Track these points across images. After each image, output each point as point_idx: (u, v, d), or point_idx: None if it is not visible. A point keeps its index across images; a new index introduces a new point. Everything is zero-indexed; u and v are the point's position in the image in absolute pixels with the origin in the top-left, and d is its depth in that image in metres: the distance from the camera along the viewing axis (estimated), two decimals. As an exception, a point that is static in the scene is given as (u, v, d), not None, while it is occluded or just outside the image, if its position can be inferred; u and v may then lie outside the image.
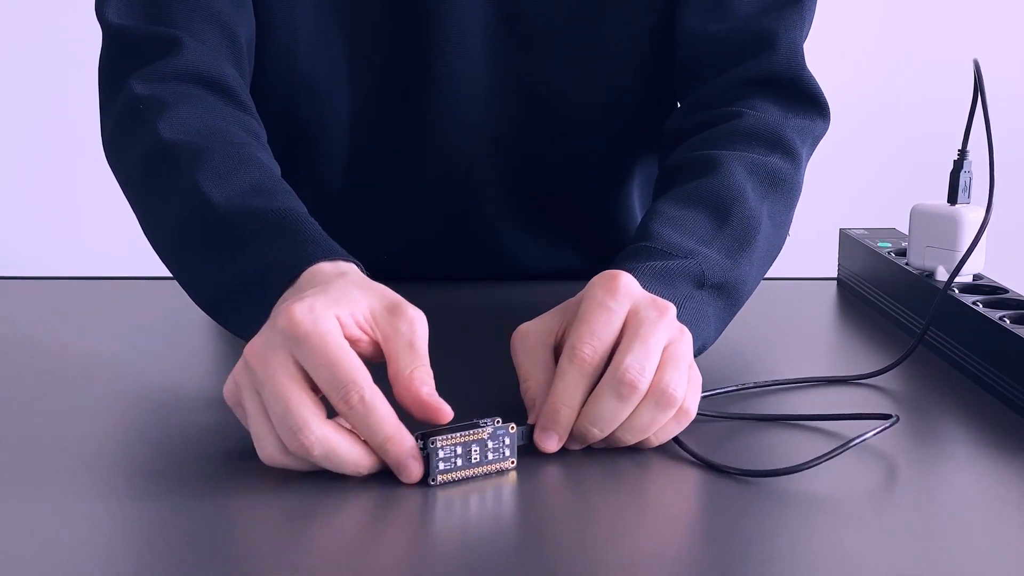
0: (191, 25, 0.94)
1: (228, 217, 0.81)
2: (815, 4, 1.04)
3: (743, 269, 0.87)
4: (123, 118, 0.91)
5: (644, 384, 0.72)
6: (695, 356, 0.79)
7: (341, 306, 0.70)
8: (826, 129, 1.02)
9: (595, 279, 0.77)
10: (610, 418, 0.72)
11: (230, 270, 0.80)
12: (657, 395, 0.72)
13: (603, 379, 0.73)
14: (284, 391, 0.67)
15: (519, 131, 1.09)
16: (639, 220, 1.13)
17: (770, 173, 0.93)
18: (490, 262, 1.14)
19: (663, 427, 0.74)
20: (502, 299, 1.09)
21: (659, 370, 0.73)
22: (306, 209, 0.83)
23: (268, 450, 0.69)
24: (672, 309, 0.75)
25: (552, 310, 0.79)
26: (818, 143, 1.02)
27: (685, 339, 0.75)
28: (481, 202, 1.11)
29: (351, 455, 0.68)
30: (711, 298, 0.85)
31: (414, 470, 0.68)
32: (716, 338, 0.87)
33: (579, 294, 0.78)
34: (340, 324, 0.69)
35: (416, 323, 0.71)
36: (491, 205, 1.11)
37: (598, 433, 0.73)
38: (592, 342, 0.73)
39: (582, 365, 0.73)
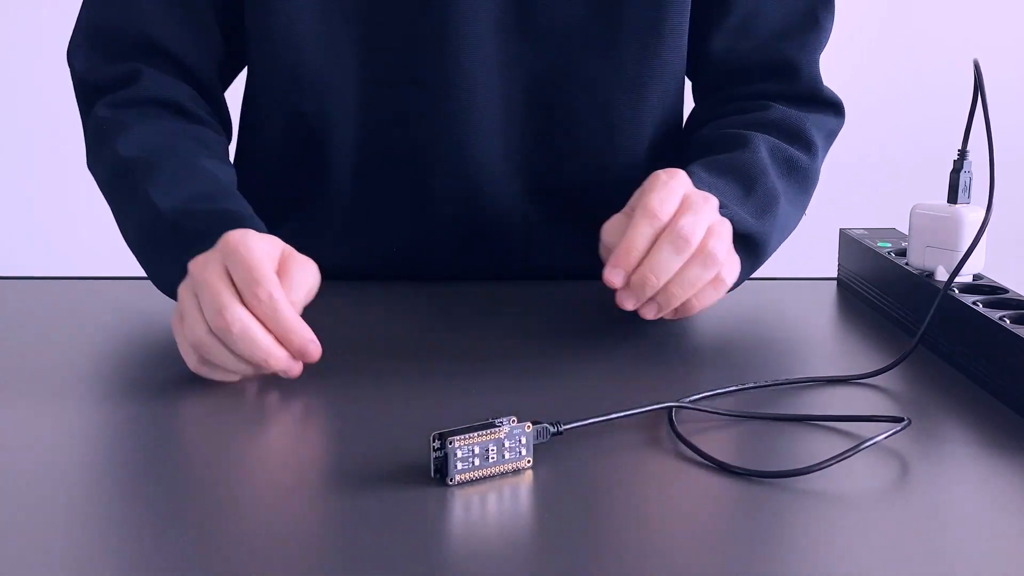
0: (148, 60, 1.08)
1: (174, 221, 0.94)
2: (833, 16, 1.15)
3: (767, 228, 1.00)
4: (92, 138, 1.06)
5: (696, 241, 0.88)
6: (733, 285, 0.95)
7: (266, 239, 0.87)
8: (842, 124, 1.15)
9: (657, 172, 0.92)
10: (666, 268, 0.88)
11: (179, 263, 0.89)
12: (704, 255, 0.89)
13: (663, 234, 0.88)
14: (214, 285, 0.82)
15: (531, 126, 1.11)
16: None
17: (787, 159, 1.06)
18: (501, 258, 1.15)
19: (704, 292, 0.91)
20: (516, 299, 1.09)
21: (705, 237, 0.89)
22: (251, 210, 0.96)
23: (197, 332, 0.83)
24: (715, 200, 0.92)
25: (619, 213, 0.94)
26: (835, 137, 1.14)
27: (725, 225, 0.92)
28: (494, 196, 1.12)
29: (264, 340, 0.82)
30: (739, 248, 0.96)
31: (313, 352, 0.84)
32: (738, 286, 0.99)
33: (637, 191, 0.93)
34: (264, 242, 0.85)
35: (310, 272, 0.88)
36: (504, 199, 1.12)
37: (655, 281, 0.89)
38: (661, 203, 0.89)
39: (652, 218, 0.89)
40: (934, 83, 2.39)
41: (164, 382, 0.91)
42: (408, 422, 0.79)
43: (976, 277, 0.98)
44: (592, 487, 0.71)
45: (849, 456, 0.73)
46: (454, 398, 0.84)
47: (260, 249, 0.84)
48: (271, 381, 0.89)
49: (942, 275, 0.97)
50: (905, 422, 0.78)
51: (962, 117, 0.94)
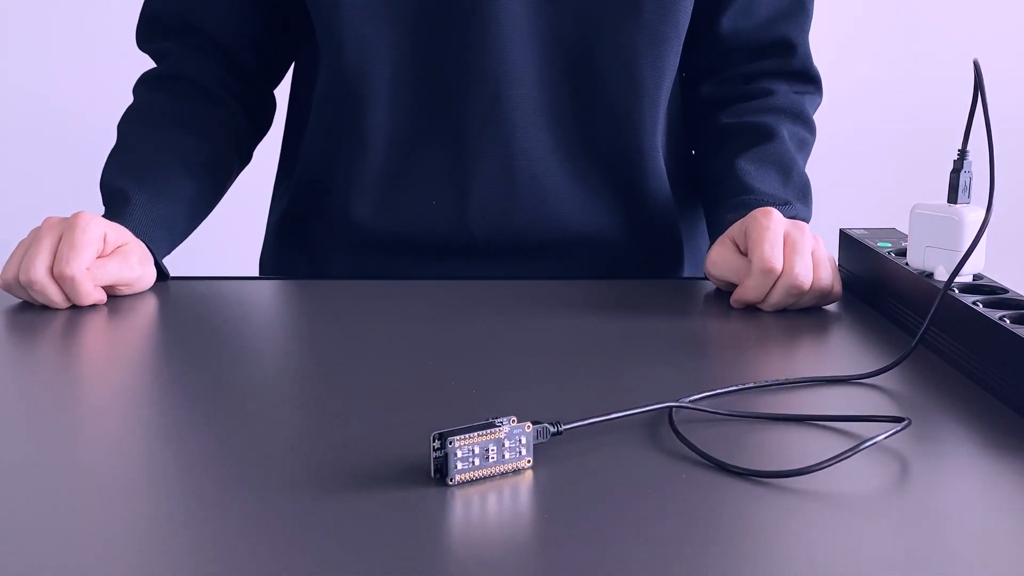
0: (182, 39, 1.24)
1: (103, 181, 1.17)
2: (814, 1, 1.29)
3: (807, 212, 1.18)
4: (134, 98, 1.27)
5: (809, 283, 1.05)
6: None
7: (110, 227, 1.07)
8: (822, 98, 1.31)
9: (755, 213, 1.09)
10: (784, 304, 1.06)
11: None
12: (815, 290, 1.06)
13: (780, 282, 1.05)
14: (40, 250, 1.04)
15: (561, 81, 1.18)
16: (664, 175, 1.24)
17: (801, 140, 1.25)
18: (534, 213, 1.20)
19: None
20: (517, 299, 1.09)
21: (815, 271, 1.05)
22: (146, 191, 1.14)
23: (8, 274, 1.05)
24: (806, 225, 1.09)
25: (719, 243, 1.11)
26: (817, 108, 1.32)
27: (820, 242, 1.08)
28: (527, 150, 1.19)
29: (55, 298, 1.03)
30: None
31: (102, 299, 1.06)
32: None
33: (738, 225, 1.10)
34: (103, 231, 1.06)
35: (126, 267, 1.07)
36: (537, 153, 1.19)
37: (773, 310, 1.07)
38: (773, 254, 1.04)
39: (769, 272, 1.04)
40: (934, 83, 2.39)
41: (162, 381, 0.91)
42: (408, 422, 0.79)
43: (976, 277, 0.98)
44: (592, 487, 0.71)
45: (849, 456, 0.73)
46: (454, 398, 0.84)
47: (91, 235, 1.05)
48: (270, 380, 0.89)
49: (942, 275, 0.97)
50: (905, 422, 0.78)
51: (962, 117, 0.94)
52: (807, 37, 1.28)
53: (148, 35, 1.26)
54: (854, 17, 2.38)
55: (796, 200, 1.17)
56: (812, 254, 1.06)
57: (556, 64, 1.18)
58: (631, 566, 0.62)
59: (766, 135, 1.22)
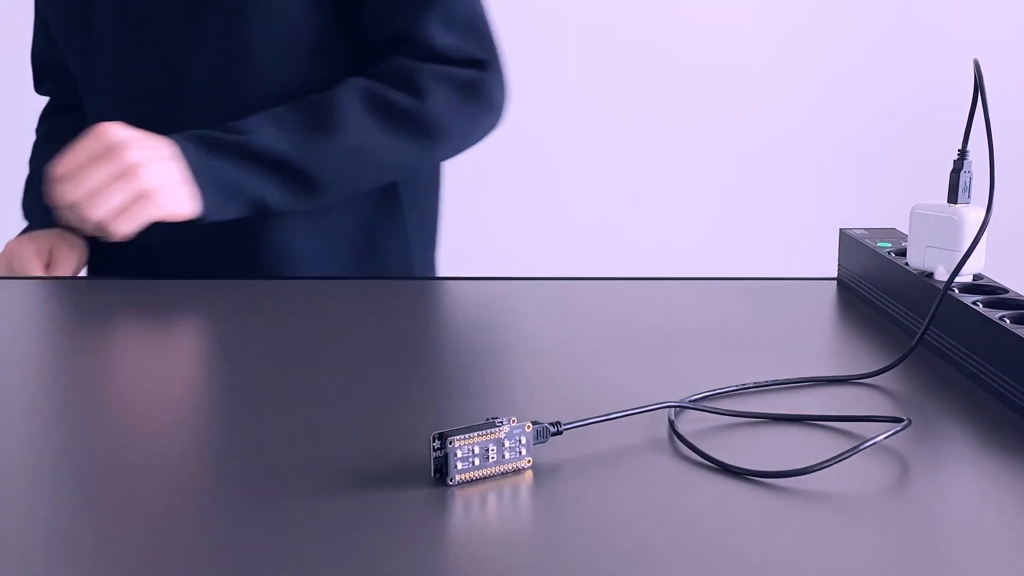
0: (56, 75, 1.41)
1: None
2: None
3: (316, 155, 1.17)
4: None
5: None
6: (208, 217, 1.15)
7: (36, 240, 1.22)
8: (488, 73, 1.23)
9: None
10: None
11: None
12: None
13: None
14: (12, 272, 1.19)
15: (136, 83, 1.29)
16: None
17: (387, 103, 1.18)
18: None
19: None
20: (516, 298, 1.10)
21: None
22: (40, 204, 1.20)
23: None
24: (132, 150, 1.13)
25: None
26: (471, 85, 1.23)
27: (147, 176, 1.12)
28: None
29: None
30: (256, 169, 1.17)
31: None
32: (277, 208, 1.21)
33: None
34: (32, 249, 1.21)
35: (75, 255, 1.23)
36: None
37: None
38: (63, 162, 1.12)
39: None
40: (934, 83, 2.39)
41: (162, 381, 0.91)
42: (408, 422, 0.79)
43: (976, 277, 0.98)
44: (592, 487, 0.71)
45: (849, 456, 0.73)
46: (454, 398, 0.85)
47: (30, 253, 1.17)
48: (270, 380, 0.89)
49: (942, 275, 0.97)
50: (905, 422, 0.78)
51: (962, 117, 0.93)
52: (431, 23, 1.22)
53: (39, 79, 1.44)
54: (854, 16, 2.38)
55: (298, 139, 1.17)
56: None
57: (135, 70, 1.27)
58: (631, 566, 0.62)
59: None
